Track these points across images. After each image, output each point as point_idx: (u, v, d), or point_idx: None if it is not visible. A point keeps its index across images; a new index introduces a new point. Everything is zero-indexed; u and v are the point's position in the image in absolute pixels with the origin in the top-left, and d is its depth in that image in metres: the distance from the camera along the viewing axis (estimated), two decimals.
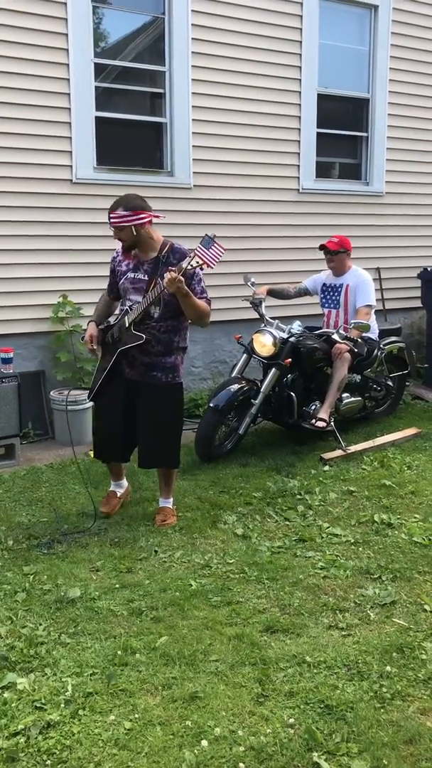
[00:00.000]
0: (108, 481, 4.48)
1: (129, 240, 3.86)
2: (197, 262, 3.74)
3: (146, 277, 3.92)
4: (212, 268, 3.91)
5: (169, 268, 3.75)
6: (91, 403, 5.70)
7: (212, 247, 3.86)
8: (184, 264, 3.71)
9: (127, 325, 3.92)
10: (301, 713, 2.43)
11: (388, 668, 2.67)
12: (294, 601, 3.19)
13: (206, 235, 3.86)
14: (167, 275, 3.65)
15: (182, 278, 3.64)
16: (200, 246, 3.81)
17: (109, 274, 4.15)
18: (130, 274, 3.97)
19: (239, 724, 2.37)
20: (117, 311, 4.15)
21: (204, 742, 2.27)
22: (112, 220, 3.82)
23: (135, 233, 3.83)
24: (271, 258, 6.84)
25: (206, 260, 3.79)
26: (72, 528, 4.03)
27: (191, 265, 3.72)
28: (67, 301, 5.84)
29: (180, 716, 2.41)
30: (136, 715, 2.41)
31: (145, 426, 4.04)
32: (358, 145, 7.58)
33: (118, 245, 4.03)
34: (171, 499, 4.25)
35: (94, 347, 4.07)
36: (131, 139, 6.44)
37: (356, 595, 3.26)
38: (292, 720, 2.39)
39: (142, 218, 3.81)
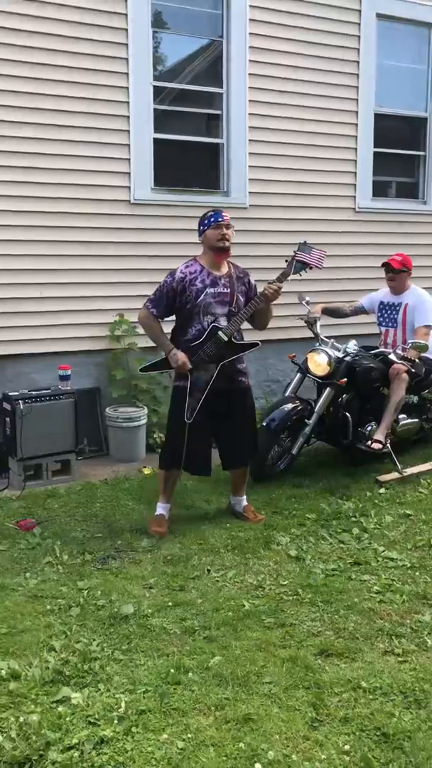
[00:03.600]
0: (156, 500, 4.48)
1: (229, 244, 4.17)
2: (301, 267, 4.25)
3: (228, 290, 4.17)
4: (320, 269, 4.41)
5: (269, 282, 4.19)
6: (144, 420, 5.80)
7: (313, 251, 4.33)
8: (290, 271, 4.22)
9: (225, 339, 4.12)
10: (356, 740, 2.37)
11: None
12: (349, 625, 3.14)
13: (303, 241, 4.36)
14: (270, 287, 4.15)
15: (275, 284, 4.17)
16: (299, 252, 4.27)
17: (162, 294, 4.18)
18: (210, 290, 4.14)
19: (293, 748, 2.33)
20: (193, 330, 4.17)
21: (258, 765, 2.24)
22: (226, 219, 4.12)
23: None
24: (326, 277, 6.79)
25: (312, 263, 4.26)
26: (125, 544, 4.05)
27: (300, 272, 4.28)
28: (123, 319, 5.92)
29: (233, 738, 2.38)
30: (189, 735, 2.39)
31: (236, 427, 4.35)
32: (415, 164, 7.51)
33: (181, 268, 4.17)
34: (244, 497, 4.56)
35: (190, 367, 4.14)
36: (188, 160, 6.53)
37: (413, 620, 3.18)
38: (347, 747, 2.33)
39: None
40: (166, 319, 4.26)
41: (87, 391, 5.91)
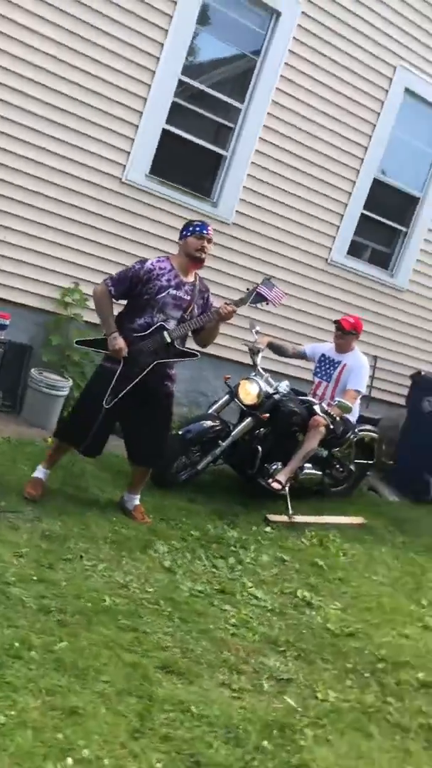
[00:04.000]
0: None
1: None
2: (259, 299, 4.35)
3: (188, 297, 4.25)
4: (276, 306, 4.60)
5: (226, 302, 4.27)
6: (66, 392, 5.77)
7: (275, 289, 4.48)
8: (246, 300, 4.31)
9: (168, 340, 4.18)
10: (169, 760, 2.45)
11: (266, 743, 2.70)
12: (197, 648, 3.22)
13: (269, 277, 4.53)
14: (226, 307, 4.20)
15: (231, 306, 4.23)
16: (262, 285, 4.38)
17: (125, 276, 4.18)
18: (173, 291, 4.20)
19: (108, 752, 2.39)
20: (141, 321, 4.21)
21: (69, 760, 2.28)
22: (209, 234, 4.21)
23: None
24: (286, 315, 6.95)
25: (272, 299, 4.42)
26: (9, 507, 4.03)
27: (257, 304, 4.38)
28: (77, 289, 5.90)
29: (54, 726, 2.42)
30: (13, 712, 2.41)
31: (150, 428, 4.40)
32: (395, 237, 7.76)
33: (153, 261, 4.21)
34: (138, 497, 4.59)
35: (125, 355, 4.16)
36: (189, 161, 6.56)
37: (257, 661, 3.29)
38: (159, 765, 2.40)
39: None
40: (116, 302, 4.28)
41: (19, 346, 5.84)
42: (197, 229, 4.21)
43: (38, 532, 3.85)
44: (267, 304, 4.49)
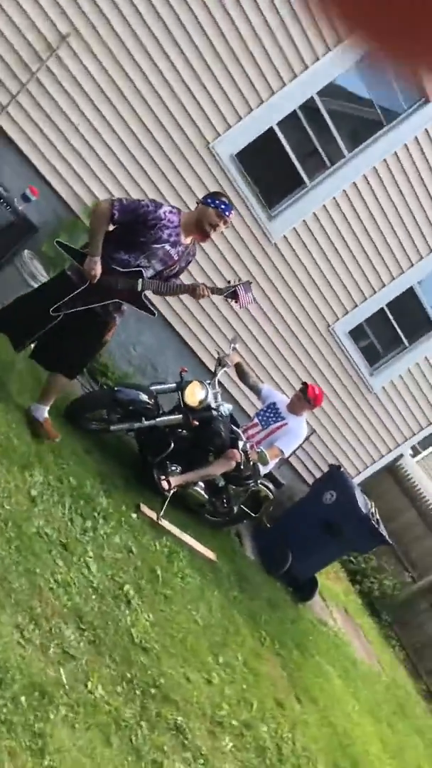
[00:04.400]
0: None
1: None
2: (230, 294, 4.36)
3: (176, 258, 4.24)
4: (240, 309, 4.45)
5: (205, 285, 4.29)
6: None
7: (249, 294, 4.49)
8: (223, 292, 4.37)
9: (139, 288, 4.15)
10: None
11: (23, 699, 2.77)
12: (15, 583, 3.26)
13: (249, 282, 4.55)
14: (203, 291, 4.26)
15: (206, 290, 4.30)
16: (242, 286, 4.39)
17: (134, 208, 4.08)
18: (168, 246, 4.14)
19: None
20: (123, 256, 4.18)
21: None
22: (230, 218, 4.24)
23: None
24: (269, 355, 7.07)
25: (241, 301, 4.41)
26: None
27: (225, 294, 4.37)
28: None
29: None
30: None
31: (77, 340, 4.33)
32: (395, 345, 7.96)
33: (166, 210, 4.15)
34: (38, 406, 4.50)
35: (95, 281, 4.11)
36: (273, 166, 6.61)
37: (56, 625, 3.34)
38: None
39: None
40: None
41: (28, 224, 5.77)
42: (222, 207, 4.18)
43: None
44: (235, 302, 4.53)
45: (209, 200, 4.21)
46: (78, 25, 5.55)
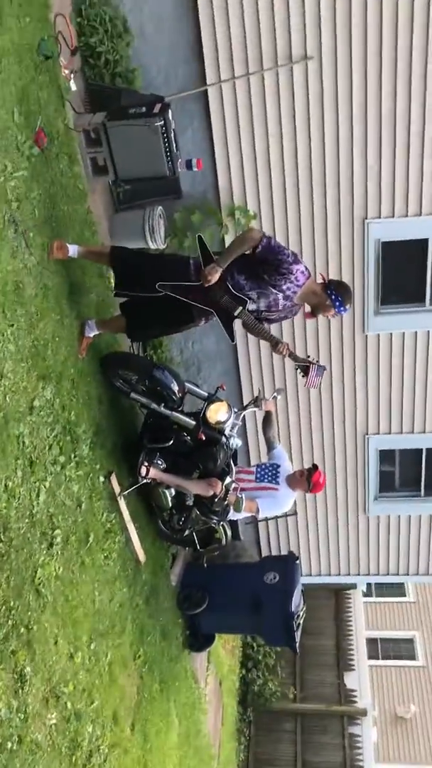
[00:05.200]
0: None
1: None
2: (302, 367, 4.57)
3: (281, 308, 4.52)
4: (304, 386, 4.97)
5: (288, 348, 4.57)
6: (152, 246, 5.87)
7: (318, 377, 4.62)
8: (299, 362, 4.58)
9: (235, 314, 4.41)
10: None
11: None
12: None
13: (324, 367, 4.65)
14: (283, 350, 4.53)
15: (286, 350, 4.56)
16: (316, 367, 4.55)
17: (276, 252, 4.27)
18: (281, 297, 4.45)
19: None
20: (240, 283, 4.41)
21: None
22: (340, 316, 4.57)
23: None
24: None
25: (310, 380, 4.57)
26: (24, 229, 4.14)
27: (298, 365, 4.60)
28: (249, 214, 6.05)
29: None
30: None
31: (161, 315, 4.62)
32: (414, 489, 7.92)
33: (300, 268, 4.33)
34: (93, 325, 4.86)
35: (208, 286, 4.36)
36: (404, 271, 6.68)
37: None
38: None
39: None
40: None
41: (177, 188, 5.93)
42: (340, 309, 4.45)
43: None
44: (303, 377, 4.65)
45: (334, 297, 4.42)
46: (324, 54, 5.74)
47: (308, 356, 4.72)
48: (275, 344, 4.54)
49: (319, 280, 4.50)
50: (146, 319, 4.69)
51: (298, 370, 4.64)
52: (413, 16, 5.55)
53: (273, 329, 4.71)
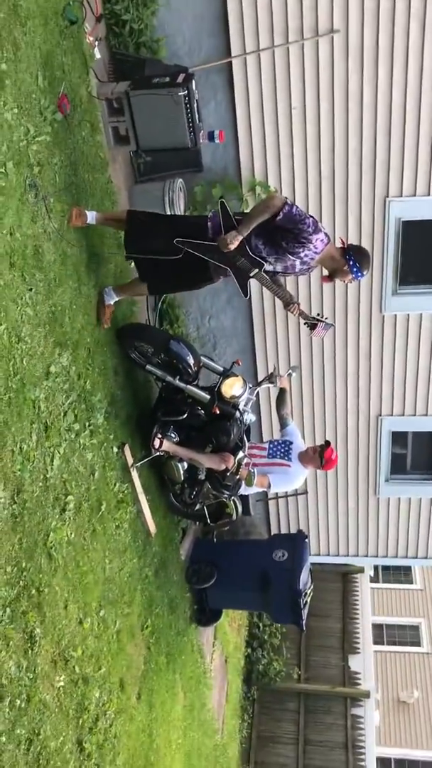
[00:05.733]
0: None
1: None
2: (310, 324, 4.60)
3: (296, 271, 4.54)
4: (309, 335, 4.96)
5: (299, 306, 4.62)
6: (167, 211, 5.81)
7: (324, 331, 4.68)
8: (308, 318, 4.62)
9: (252, 274, 4.40)
10: None
11: None
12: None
13: (332, 325, 4.80)
14: (294, 309, 4.59)
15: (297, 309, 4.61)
16: (326, 324, 4.60)
17: (298, 221, 4.24)
18: (298, 262, 4.44)
19: None
20: (260, 245, 4.38)
21: None
22: (358, 280, 4.56)
23: None
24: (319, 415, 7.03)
25: (317, 332, 4.64)
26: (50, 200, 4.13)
27: (307, 322, 4.63)
28: (270, 189, 5.97)
29: None
30: None
31: (179, 271, 4.56)
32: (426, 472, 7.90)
33: (319, 237, 4.31)
34: (111, 291, 4.91)
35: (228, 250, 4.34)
36: (425, 252, 6.62)
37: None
38: None
39: None
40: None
41: (198, 161, 5.89)
42: (358, 275, 4.45)
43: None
44: (310, 330, 4.69)
45: (351, 261, 4.41)
46: (351, 28, 5.66)
47: (318, 314, 4.73)
48: (287, 303, 4.62)
49: (338, 245, 4.47)
50: (162, 274, 4.66)
51: (307, 325, 4.70)
52: None
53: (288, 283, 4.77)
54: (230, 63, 5.89)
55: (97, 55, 5.24)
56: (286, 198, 4.27)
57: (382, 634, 17.21)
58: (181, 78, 5.28)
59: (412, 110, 5.87)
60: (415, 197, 6.14)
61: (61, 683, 3.94)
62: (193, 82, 5.31)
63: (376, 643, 14.75)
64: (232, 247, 4.25)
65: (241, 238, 4.26)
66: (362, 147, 6.03)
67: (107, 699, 4.57)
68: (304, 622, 7.10)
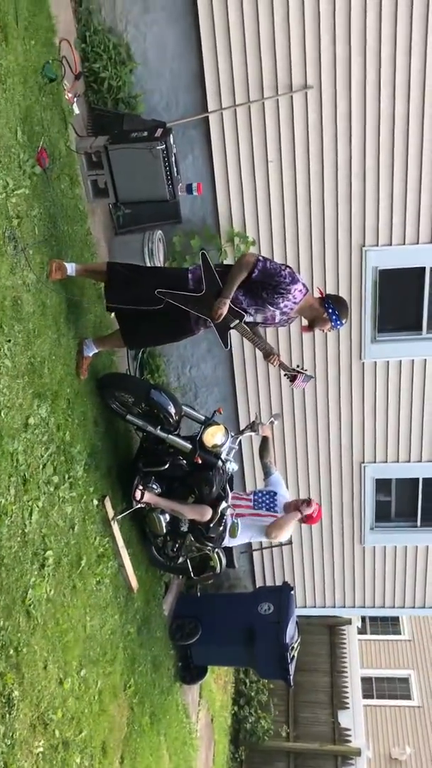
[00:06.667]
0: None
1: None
2: (290, 375, 4.64)
3: (276, 321, 4.58)
4: (289, 386, 4.97)
5: (279, 359, 4.68)
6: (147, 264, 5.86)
7: (303, 384, 4.70)
8: (288, 370, 4.67)
9: (231, 326, 4.43)
10: None
11: None
12: None
13: (312, 376, 4.77)
14: (274, 360, 4.63)
15: (277, 361, 4.65)
16: (306, 375, 4.63)
17: (273, 274, 4.31)
18: (278, 312, 4.49)
19: None
20: (240, 297, 4.43)
21: None
22: (335, 330, 4.61)
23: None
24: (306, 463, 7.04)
25: (297, 383, 4.65)
26: (26, 243, 4.13)
27: (287, 373, 4.67)
28: (249, 241, 6.06)
29: None
30: None
31: (159, 324, 4.58)
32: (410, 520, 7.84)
33: (298, 288, 4.37)
34: (91, 343, 4.86)
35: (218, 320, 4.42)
36: (401, 300, 6.70)
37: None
38: None
39: None
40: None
41: (177, 212, 5.96)
42: (336, 322, 4.49)
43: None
44: (290, 381, 4.71)
45: (330, 311, 4.47)
46: (324, 83, 5.82)
47: (298, 366, 4.75)
48: (267, 354, 4.65)
49: (317, 295, 4.53)
50: (143, 328, 4.66)
51: (287, 377, 4.73)
52: (411, 48, 5.65)
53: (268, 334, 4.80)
54: (207, 118, 6.02)
55: (76, 111, 5.33)
56: (258, 254, 4.39)
57: (371, 687, 16.82)
58: (159, 132, 5.37)
59: (385, 161, 6.01)
60: (391, 246, 6.25)
61: (41, 749, 3.76)
62: (171, 136, 5.41)
63: (365, 697, 14.36)
64: (221, 312, 4.32)
65: (227, 301, 4.33)
66: (338, 198, 6.14)
67: (89, 765, 4.37)
68: (291, 677, 6.92)
